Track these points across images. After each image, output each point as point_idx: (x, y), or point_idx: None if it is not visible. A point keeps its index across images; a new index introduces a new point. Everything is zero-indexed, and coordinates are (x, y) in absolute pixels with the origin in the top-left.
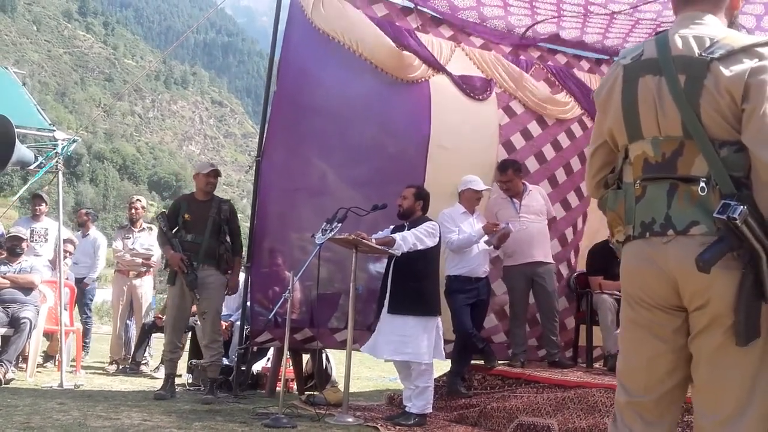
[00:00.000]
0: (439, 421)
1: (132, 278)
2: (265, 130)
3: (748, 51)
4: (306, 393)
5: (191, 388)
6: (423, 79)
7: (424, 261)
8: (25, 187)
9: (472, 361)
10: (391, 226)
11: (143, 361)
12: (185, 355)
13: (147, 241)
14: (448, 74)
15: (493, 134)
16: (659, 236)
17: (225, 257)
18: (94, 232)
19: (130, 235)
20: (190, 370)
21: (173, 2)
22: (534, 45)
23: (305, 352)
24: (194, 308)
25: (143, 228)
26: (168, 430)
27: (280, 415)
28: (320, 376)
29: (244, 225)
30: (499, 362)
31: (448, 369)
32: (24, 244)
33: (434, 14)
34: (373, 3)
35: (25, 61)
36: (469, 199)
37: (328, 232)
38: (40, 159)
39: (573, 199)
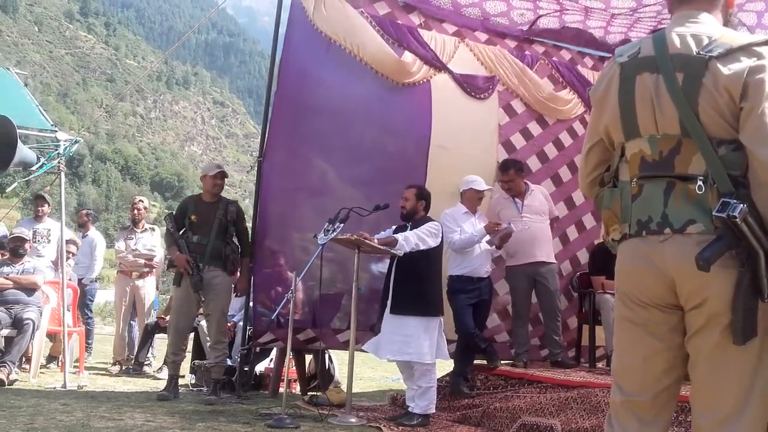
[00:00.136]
0: (442, 422)
1: (134, 279)
2: (267, 131)
3: (746, 50)
4: (309, 393)
5: (194, 389)
6: (424, 80)
7: (426, 261)
8: (14, 185)
9: (475, 361)
10: (394, 227)
11: (146, 362)
12: (188, 355)
13: (149, 241)
14: (450, 73)
15: (493, 134)
16: (656, 235)
17: (231, 258)
18: (92, 232)
19: (133, 236)
20: (193, 370)
21: (175, 3)
22: (537, 34)
23: (308, 353)
24: (201, 309)
25: (145, 229)
26: (171, 430)
27: (283, 416)
28: (323, 377)
29: (247, 225)
30: (502, 362)
31: (451, 369)
32: (27, 245)
33: (437, 14)
34: (375, 1)
35: (26, 61)
36: (471, 199)
37: (331, 232)
38: (42, 160)
39: (578, 197)
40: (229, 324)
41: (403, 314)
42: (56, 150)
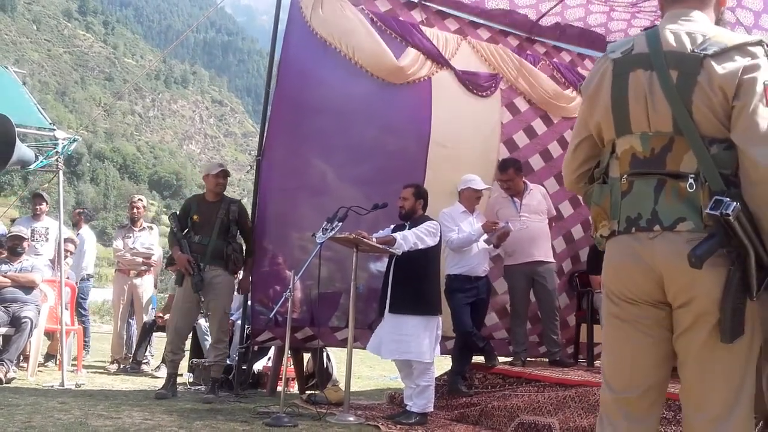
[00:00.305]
0: (440, 420)
1: (132, 277)
2: (266, 130)
3: (740, 49)
4: (307, 392)
5: (192, 387)
6: (424, 78)
7: (424, 260)
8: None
9: (473, 360)
10: (392, 225)
11: (144, 361)
12: (186, 354)
13: (147, 240)
14: (453, 70)
15: (495, 132)
16: (645, 232)
17: (233, 258)
18: (84, 230)
19: (131, 235)
20: (191, 369)
21: (173, 1)
22: (539, 32)
23: (306, 351)
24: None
25: (143, 227)
26: (169, 429)
27: (281, 414)
28: (321, 375)
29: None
30: (501, 359)
31: (449, 368)
32: (25, 244)
33: (439, 8)
34: None
35: (25, 60)
36: (469, 198)
37: (329, 231)
38: (41, 158)
39: None
40: None
41: (402, 313)
42: (54, 148)
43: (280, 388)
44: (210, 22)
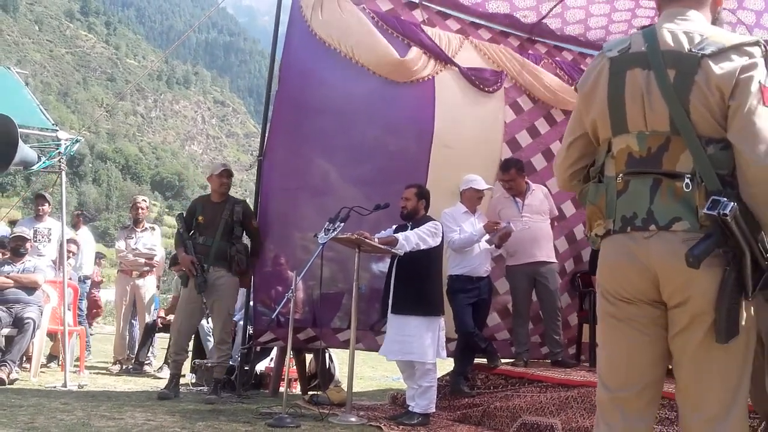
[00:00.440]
0: (442, 421)
1: (135, 278)
2: (267, 130)
3: (738, 49)
4: (309, 393)
5: (195, 388)
6: (428, 77)
7: (427, 261)
8: None
9: (475, 361)
10: (394, 226)
11: (146, 361)
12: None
13: (150, 240)
14: (458, 67)
15: (498, 132)
16: (641, 231)
17: (236, 259)
18: (82, 231)
19: (133, 235)
20: (194, 370)
21: (175, 2)
22: (539, 34)
23: (308, 352)
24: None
25: (146, 228)
26: (172, 429)
27: (283, 415)
28: (323, 376)
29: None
30: (503, 359)
31: (451, 368)
32: (28, 244)
33: (440, 9)
34: None
35: (27, 61)
36: (471, 198)
37: (331, 231)
38: (43, 159)
39: None
40: None
41: (404, 314)
42: (57, 149)
43: (282, 389)
44: (212, 23)
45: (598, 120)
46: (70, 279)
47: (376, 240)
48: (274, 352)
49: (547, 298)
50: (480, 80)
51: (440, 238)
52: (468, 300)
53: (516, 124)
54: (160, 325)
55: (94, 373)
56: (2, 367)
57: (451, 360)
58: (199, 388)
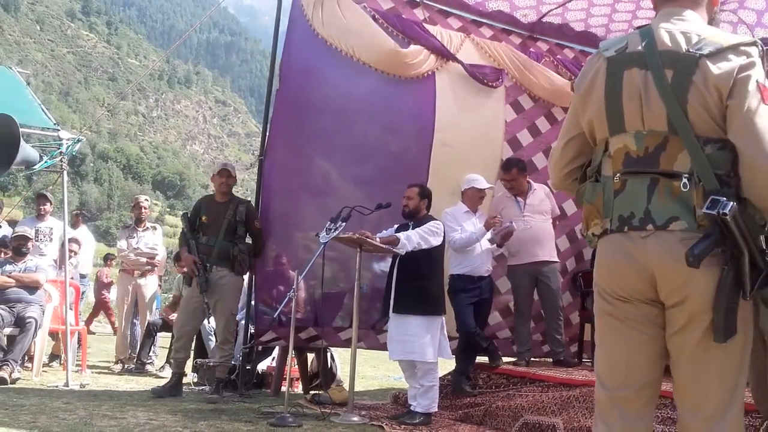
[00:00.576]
0: (444, 420)
1: (136, 277)
2: (268, 129)
3: (735, 49)
4: (311, 392)
5: (197, 388)
6: (428, 73)
7: (428, 260)
8: None
9: (477, 360)
10: (396, 225)
11: (148, 361)
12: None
13: (151, 240)
14: (460, 62)
15: (498, 131)
16: (638, 230)
17: (239, 259)
18: (82, 230)
19: (135, 235)
20: (196, 369)
21: (176, 1)
22: (540, 31)
23: (310, 351)
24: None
25: (147, 227)
26: (174, 429)
27: (285, 414)
28: (325, 375)
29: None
30: (504, 360)
31: (453, 368)
32: (29, 244)
33: (441, 7)
34: None
35: (28, 60)
36: (472, 197)
37: (333, 231)
38: (45, 158)
39: None
40: None
41: (406, 313)
42: (58, 149)
43: (284, 388)
44: (213, 23)
45: (595, 120)
46: (72, 278)
47: (378, 239)
48: (275, 352)
49: (548, 298)
50: (482, 74)
51: (442, 238)
52: (469, 299)
53: (517, 122)
54: (163, 321)
55: (96, 373)
56: (4, 367)
57: (453, 359)
58: (201, 388)
